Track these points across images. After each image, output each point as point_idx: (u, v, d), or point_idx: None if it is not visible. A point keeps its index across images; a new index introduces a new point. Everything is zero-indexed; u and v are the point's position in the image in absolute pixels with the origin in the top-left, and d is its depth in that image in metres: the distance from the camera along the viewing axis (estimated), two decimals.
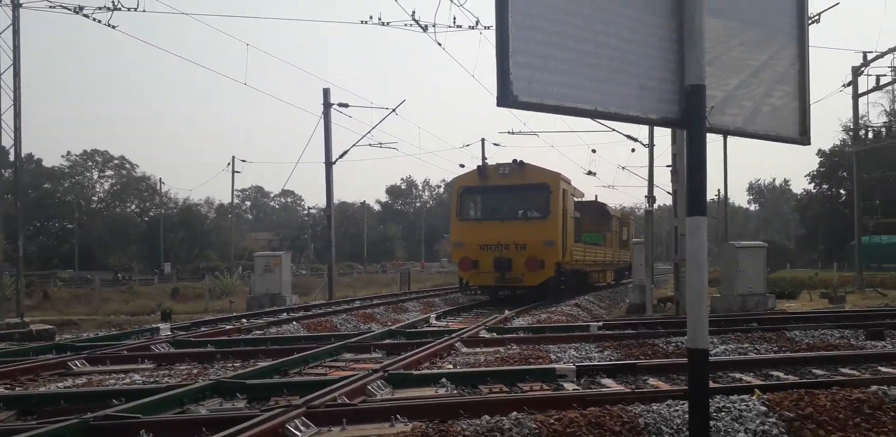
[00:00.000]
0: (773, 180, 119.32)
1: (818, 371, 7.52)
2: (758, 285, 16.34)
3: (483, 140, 35.56)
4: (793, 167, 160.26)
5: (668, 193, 17.04)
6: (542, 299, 17.97)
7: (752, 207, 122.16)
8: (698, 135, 3.02)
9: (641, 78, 2.94)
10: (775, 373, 7.42)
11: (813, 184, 61.46)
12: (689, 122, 3.01)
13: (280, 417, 5.00)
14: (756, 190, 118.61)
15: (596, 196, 28.74)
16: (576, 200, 21.03)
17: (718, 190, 53.63)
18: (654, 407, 5.29)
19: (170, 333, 12.20)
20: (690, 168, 3.06)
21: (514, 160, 18.25)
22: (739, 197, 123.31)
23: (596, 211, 26.55)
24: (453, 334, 10.23)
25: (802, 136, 3.50)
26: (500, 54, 2.52)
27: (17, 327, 14.05)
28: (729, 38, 3.24)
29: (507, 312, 14.42)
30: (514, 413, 5.10)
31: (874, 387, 5.87)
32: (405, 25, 16.97)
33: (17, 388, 7.41)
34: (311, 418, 5.17)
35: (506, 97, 2.56)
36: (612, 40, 2.85)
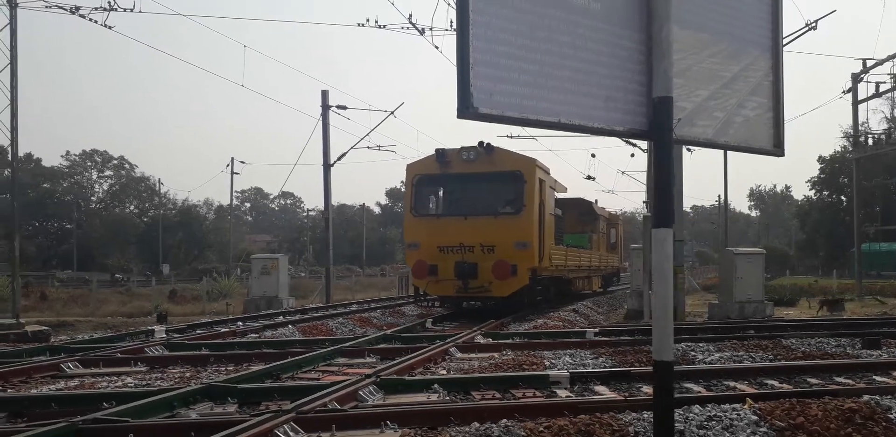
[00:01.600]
0: (774, 186, 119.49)
1: (813, 380, 7.50)
2: (756, 292, 16.31)
3: (481, 143, 35.38)
4: (794, 173, 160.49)
5: None
6: (515, 313, 15.24)
7: (753, 213, 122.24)
8: (665, 147, 3.02)
9: (608, 89, 2.93)
10: (770, 382, 7.40)
11: (814, 190, 61.53)
12: (656, 134, 3.00)
13: (269, 422, 4.97)
14: (757, 196, 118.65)
15: (596, 200, 28.06)
16: (557, 195, 18.17)
17: (719, 196, 53.69)
18: (646, 415, 5.28)
19: (164, 335, 12.18)
20: (658, 180, 3.05)
21: (481, 143, 15.14)
22: (740, 203, 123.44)
23: (580, 209, 23.67)
24: (448, 339, 10.21)
25: (776, 147, 3.49)
26: (460, 66, 2.52)
27: (12, 328, 14.02)
28: (700, 50, 3.23)
29: (504, 318, 14.38)
30: (504, 421, 5.09)
31: (866, 397, 5.86)
32: (402, 28, 17.04)
33: (9, 390, 7.39)
34: (301, 423, 5.15)
35: (465, 109, 2.55)
36: (578, 52, 2.84)
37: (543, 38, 2.74)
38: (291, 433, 5.00)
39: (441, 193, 16.39)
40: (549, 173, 16.51)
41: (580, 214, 23.73)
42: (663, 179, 3.03)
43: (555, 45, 2.77)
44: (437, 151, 15.42)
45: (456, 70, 2.54)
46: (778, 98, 3.47)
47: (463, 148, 15.32)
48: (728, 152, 22.65)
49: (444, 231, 15.12)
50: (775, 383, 7.35)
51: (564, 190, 18.78)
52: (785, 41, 18.68)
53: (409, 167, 16.08)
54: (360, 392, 6.32)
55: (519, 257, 14.55)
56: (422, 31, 16.64)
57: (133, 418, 5.35)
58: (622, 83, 2.97)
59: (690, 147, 18.51)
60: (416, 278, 15.51)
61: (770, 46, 3.47)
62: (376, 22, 18.21)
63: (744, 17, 3.40)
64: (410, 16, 16.37)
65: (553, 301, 18.60)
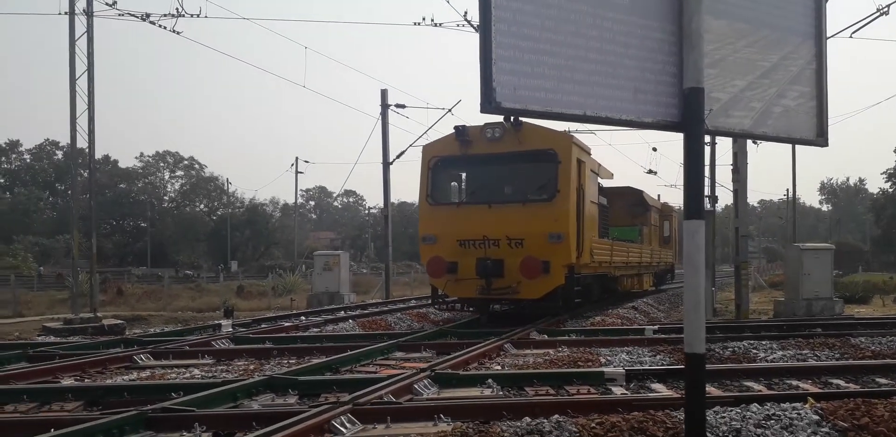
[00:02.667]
0: (847, 179, 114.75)
1: (882, 380, 7.25)
2: (824, 289, 15.77)
3: (507, 118, 34.74)
4: (868, 166, 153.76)
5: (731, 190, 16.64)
6: (551, 318, 13.09)
7: (825, 208, 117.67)
8: (696, 139, 2.99)
9: (637, 81, 2.91)
10: (835, 381, 7.19)
11: (889, 183, 58.86)
12: (687, 125, 2.97)
13: (326, 413, 5.14)
14: (828, 189, 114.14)
15: (659, 196, 26.95)
16: (602, 182, 15.87)
17: (787, 190, 51.86)
18: None
19: (231, 329, 12.61)
20: (689, 171, 3.02)
21: (507, 118, 12.45)
22: (811, 197, 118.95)
23: (629, 199, 21.31)
24: (503, 335, 10.25)
25: (819, 137, 3.39)
26: (483, 62, 2.55)
27: (90, 322, 14.76)
28: (736, 40, 3.17)
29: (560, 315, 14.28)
30: (556, 416, 5.12)
31: None
32: (457, 26, 17.15)
33: (86, 380, 7.82)
34: (357, 415, 5.31)
35: (488, 104, 2.59)
36: (605, 45, 2.83)
37: (570, 31, 2.75)
38: (348, 425, 5.15)
39: (461, 177, 14.20)
40: (590, 154, 14.08)
41: (629, 204, 21.34)
42: (694, 171, 3.02)
43: (581, 38, 2.77)
44: (455, 128, 13.12)
45: (479, 65, 2.57)
46: (821, 87, 3.38)
47: (487, 124, 12.94)
48: (796, 145, 21.82)
49: (465, 222, 12.96)
50: (841, 382, 7.14)
51: (610, 176, 16.29)
52: (856, 27, 17.83)
53: (425, 149, 13.86)
54: (416, 386, 6.45)
55: (552, 252, 12.28)
56: (477, 29, 16.70)
57: (199, 407, 5.61)
58: (652, 75, 2.95)
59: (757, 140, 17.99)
60: (432, 276, 13.29)
61: (813, 34, 3.37)
62: (432, 20, 18.47)
63: (784, 5, 3.31)
64: (466, 13, 16.44)
65: (596, 303, 16.54)
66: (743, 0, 3.20)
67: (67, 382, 7.54)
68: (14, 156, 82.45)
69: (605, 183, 16.61)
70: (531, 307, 13.06)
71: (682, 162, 3.05)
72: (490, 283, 12.40)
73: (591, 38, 2.80)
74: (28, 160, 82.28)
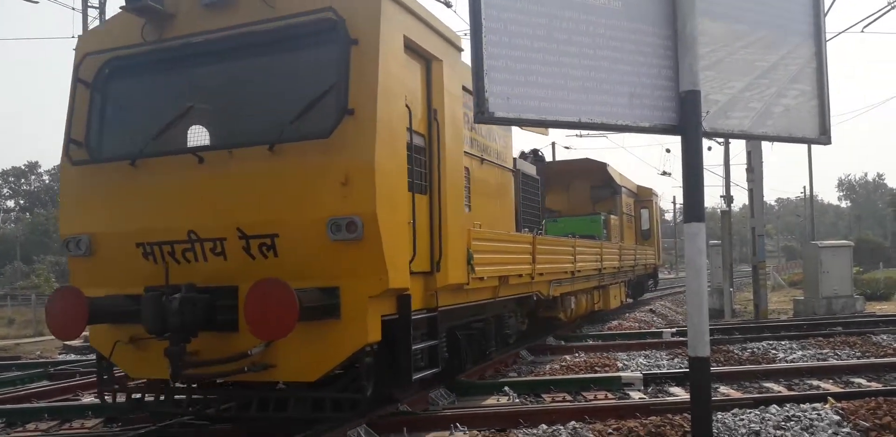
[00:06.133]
0: (865, 175, 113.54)
1: None
2: (844, 287, 15.61)
3: (553, 144, 34.33)
4: (888, 160, 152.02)
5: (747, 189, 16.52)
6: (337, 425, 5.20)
7: (843, 204, 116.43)
8: (694, 141, 2.99)
9: (632, 86, 2.93)
10: (856, 380, 7.11)
11: None
12: (684, 129, 2.97)
13: (343, 425, 5.13)
14: (847, 186, 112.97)
15: (669, 194, 26.26)
16: (537, 145, 10.05)
17: (804, 187, 51.34)
18: (720, 416, 5.18)
19: None
20: (688, 174, 3.02)
21: None
22: (829, 194, 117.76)
23: (591, 178, 15.26)
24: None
25: (822, 135, 3.38)
26: (475, 73, 2.58)
27: None
28: (733, 41, 3.17)
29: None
30: (572, 423, 5.10)
31: None
32: (464, 35, 17.21)
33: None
34: (374, 426, 5.31)
35: (481, 114, 2.62)
36: (599, 51, 2.85)
37: (562, 39, 2.77)
38: (365, 436, 5.15)
39: (144, 99, 6.01)
40: (451, 41, 6.77)
41: (589, 185, 15.44)
42: (693, 174, 3.02)
43: (574, 45, 2.79)
44: None
45: (472, 77, 2.59)
46: (822, 85, 3.37)
47: None
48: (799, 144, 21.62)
49: (150, 200, 5.48)
50: (862, 381, 7.06)
51: (543, 132, 10.36)
52: (868, 21, 17.66)
53: (81, 42, 6.25)
54: (432, 395, 6.44)
55: (342, 264, 4.89)
56: None
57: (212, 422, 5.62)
58: (648, 79, 2.97)
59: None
60: (59, 335, 5.33)
61: (812, 33, 3.37)
62: None
63: (781, 6, 3.32)
64: None
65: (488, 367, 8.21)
66: (739, 2, 3.20)
67: (87, 399, 7.60)
68: (34, 177, 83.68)
69: (549, 150, 11.33)
70: (298, 405, 5.13)
71: (681, 165, 3.05)
72: (181, 350, 4.91)
73: (583, 45, 2.82)
74: (47, 181, 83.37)
